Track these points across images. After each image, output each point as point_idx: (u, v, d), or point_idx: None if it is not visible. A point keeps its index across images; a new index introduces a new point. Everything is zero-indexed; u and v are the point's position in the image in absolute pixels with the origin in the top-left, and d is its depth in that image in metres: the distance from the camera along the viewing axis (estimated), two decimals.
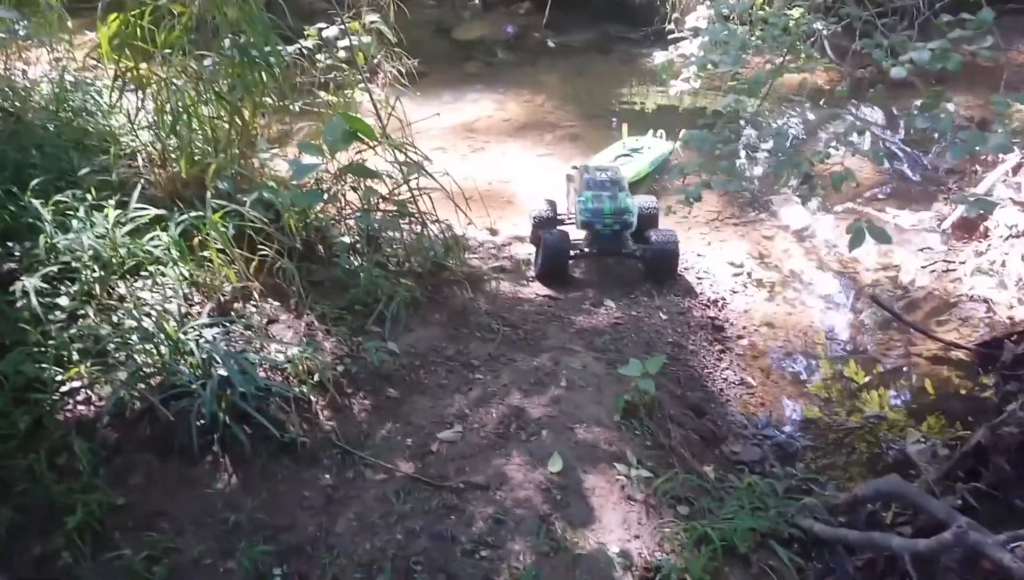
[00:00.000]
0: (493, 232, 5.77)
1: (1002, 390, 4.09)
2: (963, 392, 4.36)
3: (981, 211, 5.40)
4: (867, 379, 4.50)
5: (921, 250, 5.40)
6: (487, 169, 6.64)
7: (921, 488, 3.29)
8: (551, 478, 3.17)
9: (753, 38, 4.22)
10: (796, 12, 4.32)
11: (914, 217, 5.71)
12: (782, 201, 6.15)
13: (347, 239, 4.50)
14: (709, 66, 4.68)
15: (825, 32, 4.21)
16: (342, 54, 5.44)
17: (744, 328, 4.84)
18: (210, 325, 3.45)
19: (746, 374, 4.47)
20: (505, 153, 7.06)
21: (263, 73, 4.29)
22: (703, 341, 4.62)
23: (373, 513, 3.05)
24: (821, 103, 7.54)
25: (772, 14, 4.30)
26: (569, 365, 3.91)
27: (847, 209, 6.01)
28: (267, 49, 4.21)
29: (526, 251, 5.47)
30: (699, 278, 5.23)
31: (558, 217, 5.46)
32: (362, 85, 5.43)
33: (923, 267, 5.22)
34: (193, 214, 3.78)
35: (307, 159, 4.19)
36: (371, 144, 4.50)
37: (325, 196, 4.35)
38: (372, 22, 5.60)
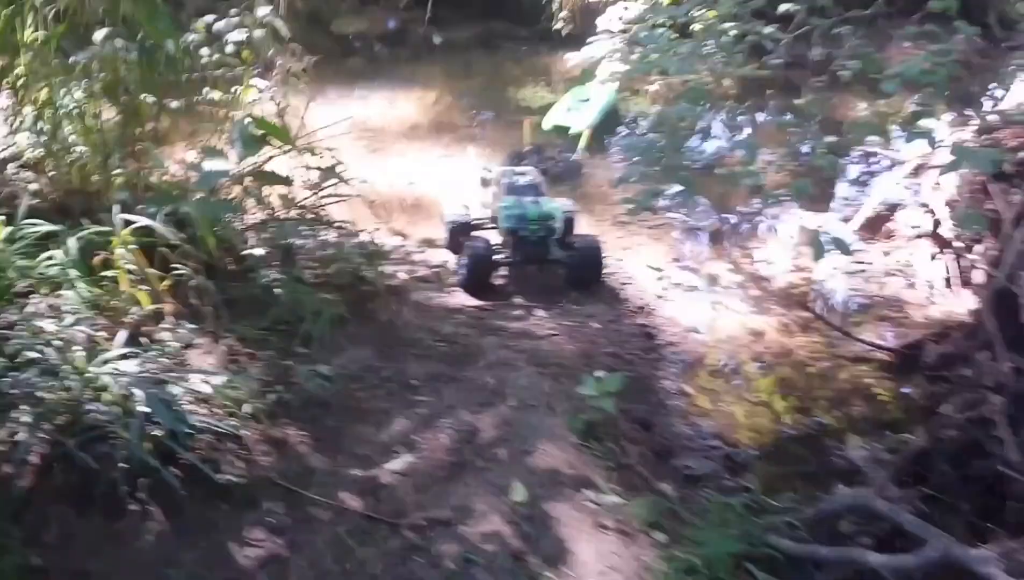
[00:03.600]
0: (402, 236, 5.58)
1: (928, 391, 4.31)
2: (889, 394, 4.57)
3: (885, 211, 5.77)
4: (798, 383, 4.65)
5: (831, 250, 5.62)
6: (387, 171, 6.43)
7: (875, 496, 3.39)
8: (516, 509, 3.06)
9: (708, 46, 4.26)
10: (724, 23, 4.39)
11: (819, 218, 5.97)
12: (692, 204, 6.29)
13: (259, 251, 4.21)
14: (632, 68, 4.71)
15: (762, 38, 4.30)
16: (231, 48, 5.10)
17: (674, 334, 4.90)
18: (125, 356, 3.11)
19: (683, 383, 4.51)
20: (404, 155, 6.88)
21: (160, 71, 3.95)
22: (637, 350, 4.64)
23: (327, 559, 2.83)
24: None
25: (709, 22, 4.36)
26: (515, 382, 3.82)
27: (752, 210, 6.22)
28: (169, 46, 3.88)
29: (440, 257, 5.33)
30: (622, 284, 5.26)
31: (473, 222, 5.35)
32: (257, 83, 5.15)
33: (835, 269, 5.44)
34: (93, 229, 3.40)
35: (211, 164, 3.90)
36: (281, 148, 4.26)
37: (233, 205, 4.05)
38: (265, 16, 5.29)
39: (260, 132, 4.08)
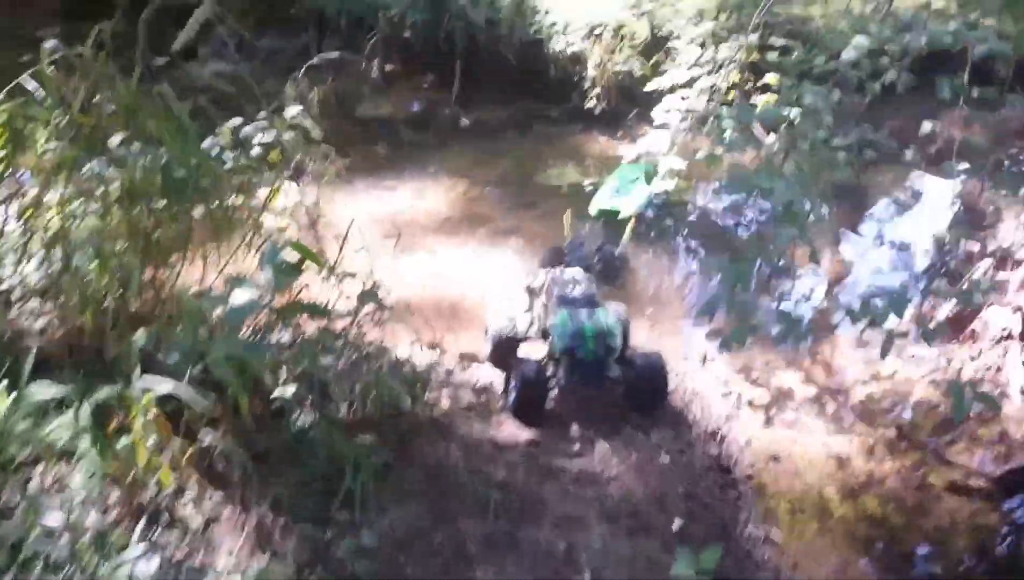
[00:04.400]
0: (440, 350, 5.15)
1: None
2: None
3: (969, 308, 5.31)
4: (893, 521, 4.16)
5: (912, 356, 5.18)
6: (420, 272, 6.04)
7: None
8: None
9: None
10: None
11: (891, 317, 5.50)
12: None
13: (289, 390, 3.78)
14: None
15: None
16: (257, 151, 4.78)
17: (751, 466, 4.42)
18: (143, 551, 2.67)
19: (768, 527, 4.02)
20: (436, 252, 6.49)
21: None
22: (714, 487, 4.17)
23: None
24: None
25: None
26: (587, 545, 3.35)
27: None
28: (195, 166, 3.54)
29: (483, 375, 4.90)
30: (687, 402, 4.80)
31: (521, 336, 4.93)
32: (288, 187, 4.84)
33: (922, 377, 4.98)
34: (106, 389, 2.99)
35: (239, 295, 3.50)
36: (317, 272, 3.88)
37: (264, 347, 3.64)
38: (294, 116, 4.98)
39: (293, 257, 3.71)
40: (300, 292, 3.98)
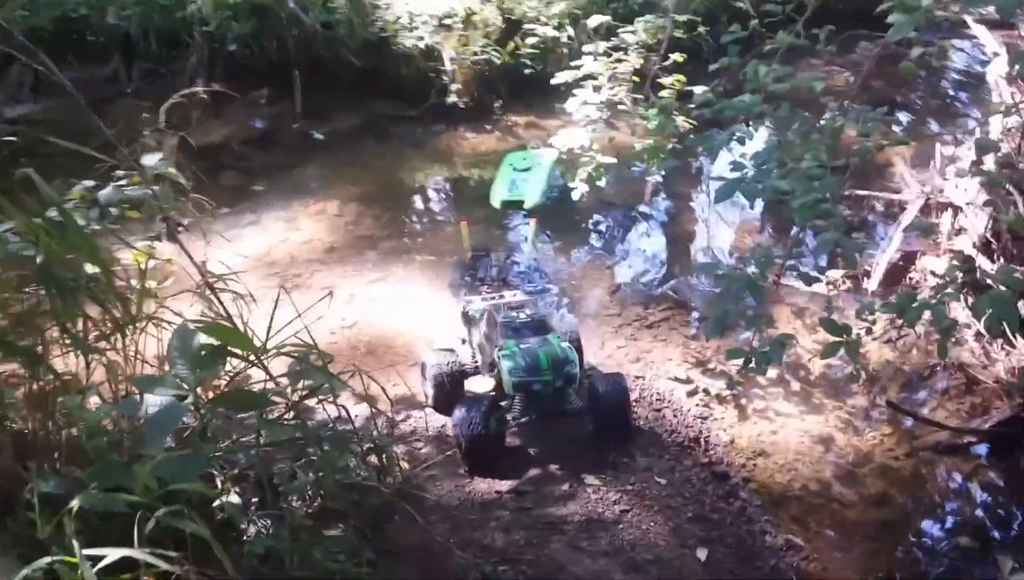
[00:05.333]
0: (371, 402, 4.55)
1: None
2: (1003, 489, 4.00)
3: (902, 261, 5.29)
4: (902, 500, 4.01)
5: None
6: (321, 314, 5.36)
7: None
8: None
9: None
10: None
11: (828, 274, 5.40)
12: (677, 283, 5.63)
13: (233, 497, 3.12)
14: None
15: None
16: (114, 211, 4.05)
17: (743, 467, 4.14)
18: None
19: (784, 532, 3.75)
20: (329, 286, 5.81)
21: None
22: (718, 501, 3.85)
23: None
24: None
25: None
26: None
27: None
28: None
29: (432, 421, 4.37)
30: (655, 410, 4.47)
31: (463, 368, 4.42)
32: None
33: (868, 335, 4.87)
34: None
35: (154, 399, 2.81)
36: (247, 357, 3.21)
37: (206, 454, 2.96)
38: (156, 167, 4.24)
39: (212, 341, 3.04)
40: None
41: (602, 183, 6.20)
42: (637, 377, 4.71)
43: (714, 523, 3.68)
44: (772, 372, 4.76)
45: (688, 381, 4.69)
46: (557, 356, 4.01)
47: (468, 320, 4.63)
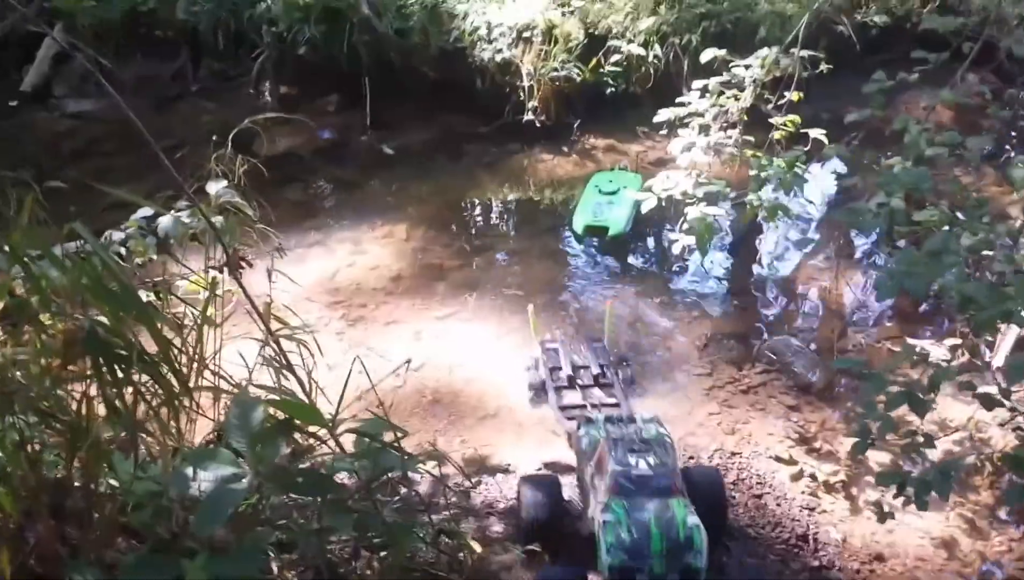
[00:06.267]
0: (439, 458, 4.16)
1: None
2: None
3: None
4: None
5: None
6: (381, 351, 5.03)
7: None
8: None
9: None
10: None
11: (941, 349, 4.89)
12: (776, 341, 5.16)
13: None
14: None
15: None
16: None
17: (857, 573, 3.69)
18: None
19: None
20: (393, 321, 5.48)
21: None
22: None
23: None
24: None
25: None
26: None
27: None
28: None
29: (505, 491, 4.01)
30: (755, 495, 4.03)
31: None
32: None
33: (1001, 425, 4.38)
34: None
35: (210, 475, 2.47)
36: (317, 435, 2.88)
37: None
38: (221, 193, 3.91)
39: (279, 415, 2.70)
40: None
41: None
42: (733, 453, 4.28)
43: None
44: (886, 457, 4.30)
45: (792, 462, 4.24)
46: (676, 539, 3.15)
47: (578, 447, 3.80)
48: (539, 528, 3.57)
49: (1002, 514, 4.08)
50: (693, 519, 3.19)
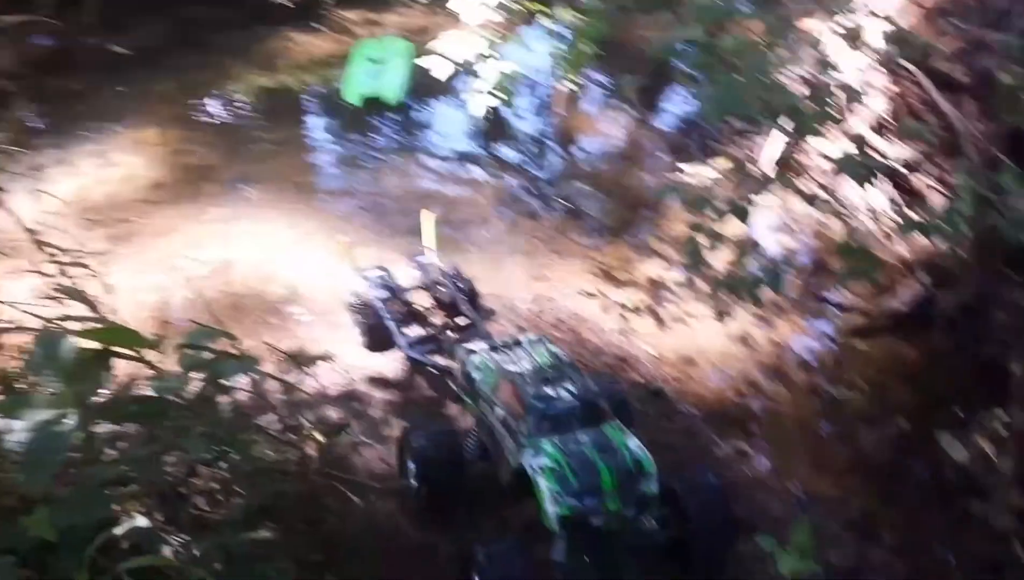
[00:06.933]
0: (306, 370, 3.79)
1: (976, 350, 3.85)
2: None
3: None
4: (830, 387, 4.06)
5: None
6: (161, 264, 4.68)
7: None
8: None
9: None
10: None
11: (711, 171, 5.25)
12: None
13: (140, 520, 2.59)
14: None
15: None
16: None
17: (676, 380, 4.03)
18: None
19: (729, 440, 3.70)
20: (163, 232, 5.03)
21: None
22: (661, 420, 3.72)
23: None
24: None
25: None
26: None
27: None
28: None
29: (334, 380, 3.86)
30: (574, 329, 4.23)
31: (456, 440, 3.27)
32: None
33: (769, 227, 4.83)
34: None
35: (27, 434, 2.25)
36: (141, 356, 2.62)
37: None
38: None
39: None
40: None
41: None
42: (546, 298, 4.43)
43: (664, 446, 3.51)
44: (680, 275, 4.62)
45: (600, 295, 4.46)
46: (625, 467, 2.74)
47: (471, 386, 3.27)
48: (440, 489, 3.14)
49: (785, 305, 4.54)
50: (633, 441, 2.85)
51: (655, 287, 4.55)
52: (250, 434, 3.04)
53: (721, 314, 3.65)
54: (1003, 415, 3.53)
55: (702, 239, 3.46)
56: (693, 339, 4.26)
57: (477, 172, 5.59)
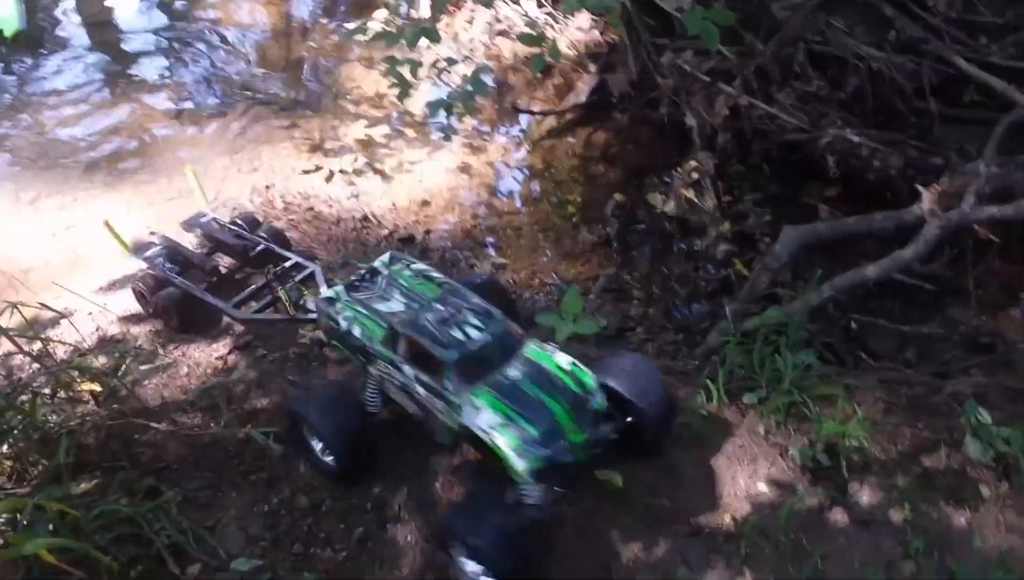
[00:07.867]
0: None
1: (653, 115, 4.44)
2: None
3: None
4: (549, 187, 4.51)
5: None
6: None
7: None
8: None
9: None
10: None
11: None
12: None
13: None
14: None
15: None
16: None
17: (417, 223, 4.24)
18: None
19: (476, 257, 4.06)
20: None
21: None
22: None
23: None
24: None
25: None
26: None
27: None
28: None
29: (83, 330, 3.58)
30: (308, 207, 4.25)
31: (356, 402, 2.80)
32: None
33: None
34: None
35: None
36: None
37: None
38: None
39: None
40: None
41: None
42: (266, 186, 4.38)
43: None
44: (386, 129, 4.80)
45: (318, 168, 4.50)
46: (571, 393, 2.53)
47: (347, 338, 2.79)
48: (357, 460, 2.73)
49: (488, 128, 4.89)
50: (561, 356, 2.61)
51: (368, 146, 4.69)
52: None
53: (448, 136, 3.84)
54: (692, 163, 4.17)
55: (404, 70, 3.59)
56: (421, 183, 4.48)
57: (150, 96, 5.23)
